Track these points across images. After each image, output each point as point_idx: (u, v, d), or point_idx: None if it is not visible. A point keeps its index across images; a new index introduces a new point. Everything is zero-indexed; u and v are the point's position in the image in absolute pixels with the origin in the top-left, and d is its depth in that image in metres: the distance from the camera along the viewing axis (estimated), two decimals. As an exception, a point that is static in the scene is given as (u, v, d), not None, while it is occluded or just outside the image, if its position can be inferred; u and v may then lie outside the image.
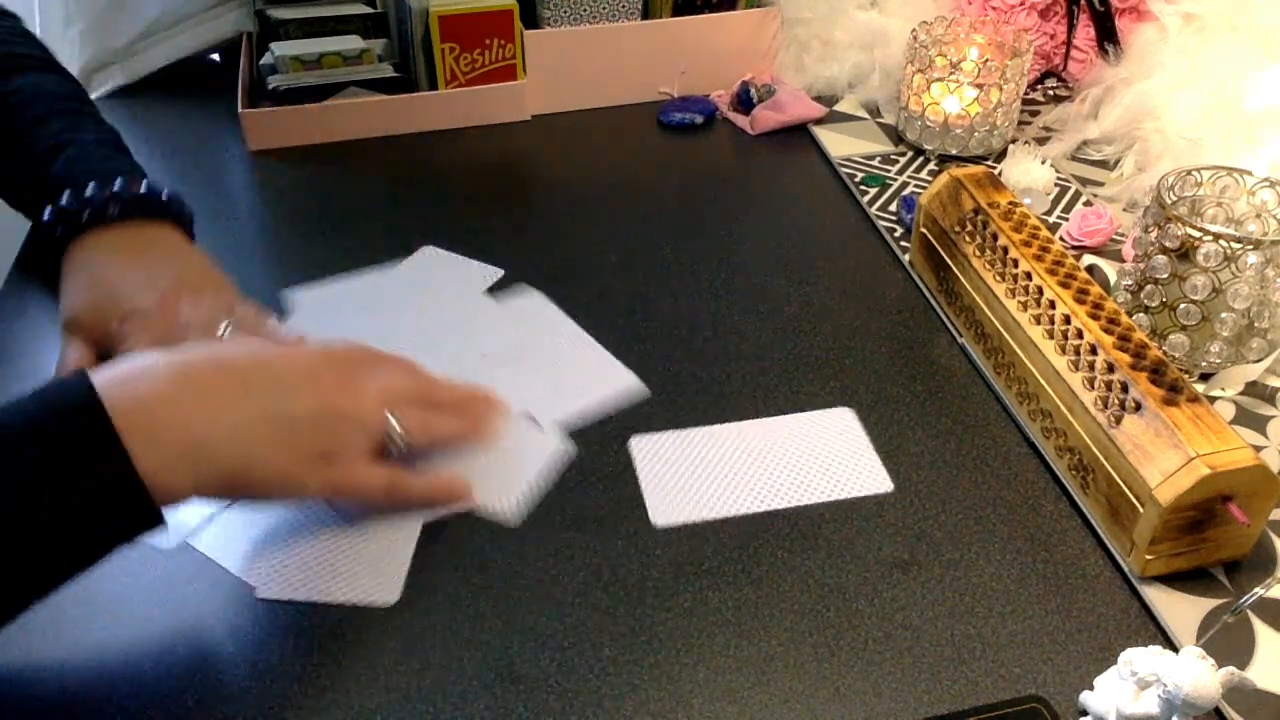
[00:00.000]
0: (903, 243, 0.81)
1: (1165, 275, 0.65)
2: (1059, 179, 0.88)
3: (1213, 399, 0.66)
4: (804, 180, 0.90)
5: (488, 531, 0.57)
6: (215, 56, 1.08)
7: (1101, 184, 0.88)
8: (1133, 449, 0.53)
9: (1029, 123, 0.96)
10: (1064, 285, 0.62)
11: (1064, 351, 0.60)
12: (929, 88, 0.89)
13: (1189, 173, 0.68)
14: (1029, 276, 0.64)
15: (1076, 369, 0.59)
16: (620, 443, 0.62)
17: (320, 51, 0.94)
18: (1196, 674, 0.43)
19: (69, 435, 0.44)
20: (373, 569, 0.54)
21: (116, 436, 0.44)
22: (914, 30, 0.90)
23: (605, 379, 0.67)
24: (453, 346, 0.69)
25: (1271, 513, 0.54)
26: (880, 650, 0.51)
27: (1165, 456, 0.52)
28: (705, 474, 0.60)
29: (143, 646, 0.50)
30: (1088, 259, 0.76)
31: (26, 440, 0.44)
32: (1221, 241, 0.62)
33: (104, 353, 0.60)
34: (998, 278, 0.66)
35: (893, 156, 0.93)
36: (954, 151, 0.91)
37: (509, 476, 0.60)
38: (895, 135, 0.95)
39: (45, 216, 0.60)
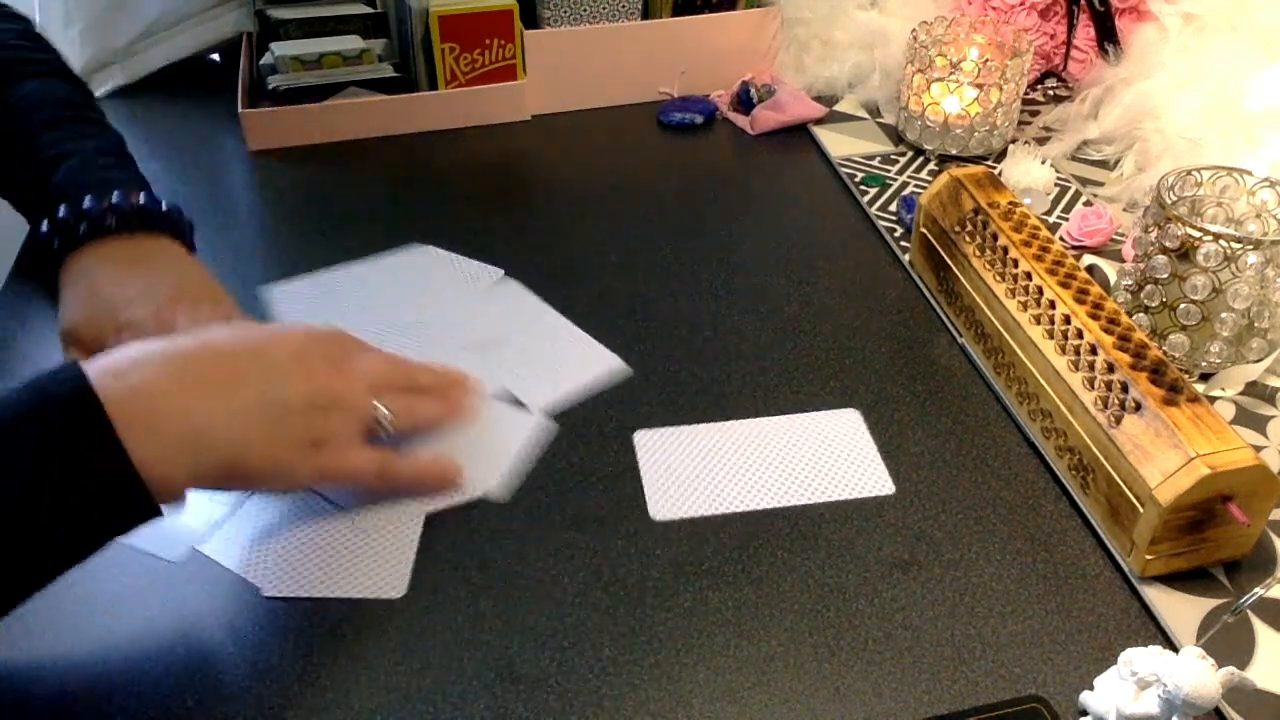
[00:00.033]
0: (903, 243, 0.81)
1: (1165, 275, 0.65)
2: (1059, 179, 0.88)
3: (1213, 399, 0.66)
4: (804, 180, 0.90)
5: (488, 531, 0.57)
6: (215, 56, 1.08)
7: (1101, 184, 0.88)
8: (1133, 449, 0.53)
9: (1029, 123, 0.96)
10: (1064, 285, 0.62)
11: (1064, 351, 0.60)
12: (929, 88, 0.89)
13: (1189, 173, 0.68)
14: (1029, 276, 0.64)
15: (1076, 369, 0.59)
16: (620, 443, 0.62)
17: (320, 51, 0.94)
18: (1196, 674, 0.43)
19: (64, 426, 0.44)
20: (378, 563, 0.54)
21: (110, 427, 0.44)
22: (914, 30, 0.90)
23: (587, 360, 0.68)
24: (433, 335, 0.70)
25: (1271, 513, 0.54)
26: (880, 650, 0.51)
27: (1165, 456, 0.52)
28: (707, 470, 0.60)
29: (143, 646, 0.50)
30: (1088, 259, 0.76)
31: (19, 432, 0.43)
32: (1221, 241, 0.62)
33: None
34: (998, 278, 0.66)
35: (893, 156, 0.93)
36: (954, 151, 0.91)
37: (494, 456, 0.61)
38: (895, 135, 0.95)
39: (43, 229, 0.60)
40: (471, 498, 0.58)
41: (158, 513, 0.47)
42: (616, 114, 1.00)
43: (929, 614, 0.53)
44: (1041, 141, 0.93)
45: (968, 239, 0.69)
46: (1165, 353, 0.63)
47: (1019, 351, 0.63)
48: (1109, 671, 0.47)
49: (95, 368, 0.46)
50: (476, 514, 0.58)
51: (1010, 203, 0.69)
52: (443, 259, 0.78)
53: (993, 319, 0.66)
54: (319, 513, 0.57)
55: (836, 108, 1.00)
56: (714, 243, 0.81)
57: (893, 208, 0.85)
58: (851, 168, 0.91)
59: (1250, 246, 0.61)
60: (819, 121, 0.97)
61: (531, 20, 0.97)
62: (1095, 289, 0.61)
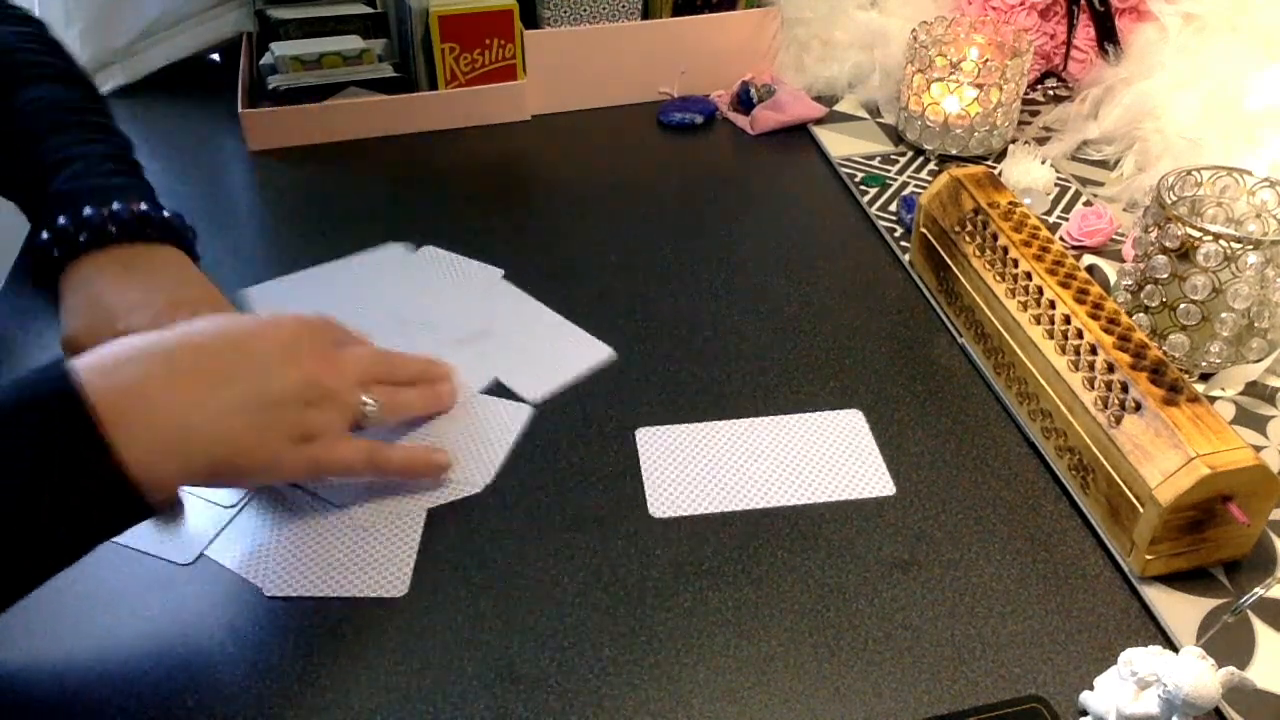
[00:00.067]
0: (903, 243, 0.81)
1: (1165, 275, 0.65)
2: (1059, 179, 0.88)
3: (1213, 399, 0.66)
4: (804, 180, 0.90)
5: (488, 531, 0.57)
6: (215, 56, 1.08)
7: (1101, 184, 0.88)
8: (1133, 449, 0.53)
9: (1029, 123, 0.96)
10: (1064, 285, 0.62)
11: (1064, 351, 0.60)
12: (929, 88, 0.89)
13: (1189, 173, 0.68)
14: (1029, 276, 0.64)
15: (1076, 369, 0.59)
16: (620, 443, 0.62)
17: (320, 51, 0.94)
18: (1196, 674, 0.43)
19: (49, 426, 0.44)
20: (378, 563, 0.54)
21: (97, 426, 0.44)
22: (914, 30, 0.90)
23: (572, 347, 0.69)
24: (414, 330, 0.71)
25: (1271, 513, 0.54)
26: (880, 650, 0.51)
27: (1165, 456, 0.52)
28: (708, 469, 0.60)
29: (143, 646, 0.50)
30: (1088, 259, 0.76)
31: (4, 432, 0.43)
32: (1221, 241, 0.62)
33: None
34: (998, 278, 0.66)
35: (893, 156, 0.93)
36: (954, 151, 0.91)
37: (487, 449, 0.61)
38: (895, 135, 0.95)
39: (43, 236, 0.60)
40: (471, 492, 0.58)
41: (149, 512, 0.47)
42: (616, 114, 1.00)
43: (929, 614, 0.53)
44: (1041, 141, 0.93)
45: (968, 239, 0.69)
46: (1165, 353, 0.63)
47: (1019, 351, 0.63)
48: (1109, 671, 0.47)
49: (82, 365, 0.46)
50: (476, 514, 0.58)
51: (1010, 203, 0.69)
52: (431, 257, 0.78)
53: (993, 319, 0.66)
54: (319, 513, 0.57)
55: (836, 108, 1.00)
56: (714, 243, 0.81)
57: (893, 208, 0.85)
58: (851, 168, 0.91)
59: (1250, 246, 0.61)
60: (819, 121, 0.98)
61: (531, 20, 0.97)
62: (1095, 289, 0.61)
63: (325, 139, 0.93)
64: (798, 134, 0.96)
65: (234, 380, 0.50)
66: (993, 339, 0.66)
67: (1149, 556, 0.53)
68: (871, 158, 0.92)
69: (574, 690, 0.49)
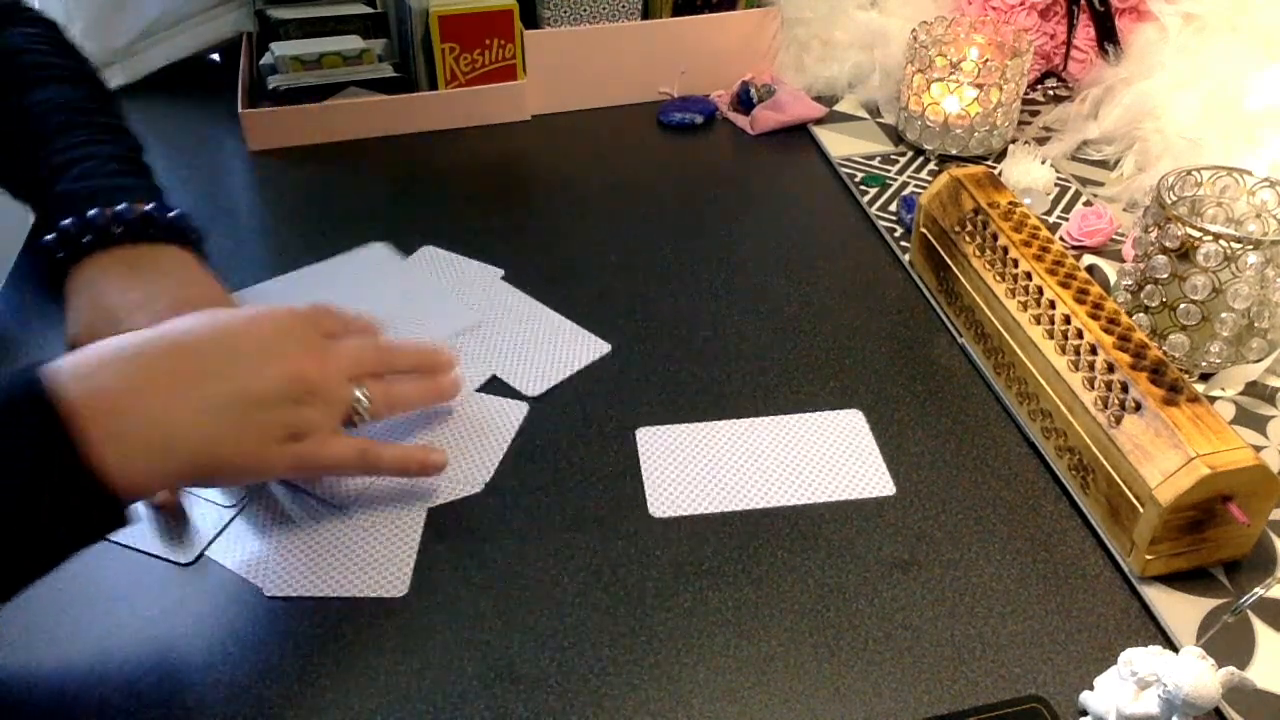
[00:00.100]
0: (903, 243, 0.81)
1: (1165, 275, 0.65)
2: (1059, 179, 0.88)
3: (1213, 399, 0.66)
4: (804, 180, 0.90)
5: (488, 531, 0.57)
6: (215, 56, 1.08)
7: (1101, 184, 0.88)
8: (1133, 449, 0.53)
9: (1029, 123, 0.96)
10: (1064, 285, 0.62)
11: (1064, 351, 0.60)
12: (929, 88, 0.89)
13: (1189, 173, 0.68)
14: (1029, 276, 0.64)
15: (1076, 369, 0.59)
16: (620, 443, 0.62)
17: (320, 51, 0.94)
18: (1196, 674, 0.43)
19: (18, 432, 0.42)
20: (378, 563, 0.54)
21: (66, 432, 0.43)
22: (914, 30, 0.90)
23: (570, 342, 0.70)
24: (408, 329, 0.71)
25: (1271, 513, 0.54)
26: (880, 650, 0.51)
27: (1165, 456, 0.52)
28: (708, 469, 0.60)
29: (143, 647, 0.50)
30: (1088, 259, 0.76)
31: None
32: (1221, 241, 0.62)
33: None
34: (998, 278, 0.66)
35: (893, 156, 0.93)
36: (954, 151, 0.91)
37: (479, 445, 0.62)
38: (895, 135, 0.95)
39: (48, 238, 0.60)
40: (471, 492, 0.58)
41: (122, 519, 0.46)
42: (616, 114, 1.00)
43: (929, 614, 0.53)
44: (1041, 141, 0.93)
45: (968, 239, 0.69)
46: (1165, 353, 0.63)
47: (1019, 351, 0.63)
48: (1109, 671, 0.47)
49: (58, 369, 0.45)
50: (476, 514, 0.58)
51: (1010, 203, 0.69)
52: (431, 257, 0.78)
53: (993, 319, 0.66)
54: (319, 513, 0.57)
55: (836, 108, 1.00)
56: (714, 243, 0.81)
57: (893, 208, 0.85)
58: (851, 168, 0.91)
59: (1250, 246, 0.61)
60: (819, 121, 0.97)
61: (531, 20, 0.97)
62: (1095, 289, 0.61)
63: (325, 139, 0.93)
64: (798, 134, 0.96)
65: (214, 379, 0.49)
66: (993, 339, 0.66)
67: (1149, 556, 0.53)
68: (871, 158, 0.92)
69: (574, 690, 0.49)
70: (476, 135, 0.96)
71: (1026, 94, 0.97)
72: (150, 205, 0.62)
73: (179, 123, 0.97)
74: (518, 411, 0.64)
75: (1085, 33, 0.98)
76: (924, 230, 0.75)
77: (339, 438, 0.54)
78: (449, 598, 0.53)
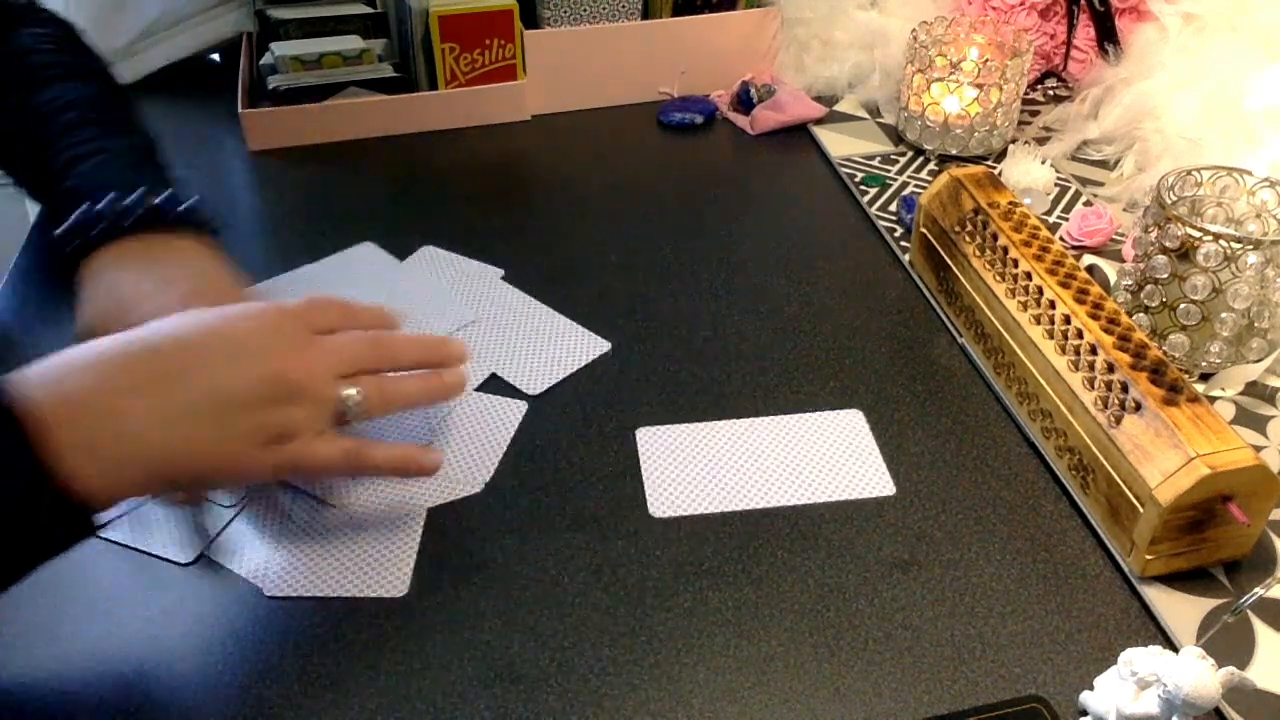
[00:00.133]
0: (903, 243, 0.81)
1: (1165, 275, 0.65)
2: (1059, 179, 0.88)
3: (1213, 399, 0.66)
4: (804, 180, 0.90)
5: (488, 531, 0.57)
6: (215, 56, 1.08)
7: (1101, 184, 0.88)
8: (1133, 449, 0.53)
9: (1029, 123, 0.96)
10: (1064, 285, 0.62)
11: (1064, 351, 0.60)
12: (929, 88, 0.89)
13: (1189, 173, 0.68)
14: (1029, 276, 0.64)
15: (1076, 369, 0.59)
16: (620, 443, 0.62)
17: (320, 51, 0.94)
18: (1196, 674, 0.43)
19: None
20: (378, 563, 0.54)
21: (28, 442, 0.42)
22: (914, 30, 0.90)
23: (569, 341, 0.70)
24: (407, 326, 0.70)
25: (1271, 513, 0.54)
26: (880, 650, 0.51)
27: (1165, 456, 0.52)
28: (708, 469, 0.60)
29: (143, 647, 0.50)
30: (1088, 259, 0.76)
31: None
32: (1221, 241, 0.62)
33: None
34: (998, 278, 0.66)
35: (893, 156, 0.93)
36: (954, 151, 0.91)
37: (478, 445, 0.62)
38: (895, 135, 0.95)
39: (61, 230, 0.59)
40: (471, 492, 0.58)
41: (91, 528, 0.45)
42: (616, 114, 1.00)
43: (929, 614, 0.53)
44: (1041, 141, 0.93)
45: (968, 239, 0.69)
46: (1165, 353, 0.63)
47: (1019, 351, 0.63)
48: (1109, 671, 0.47)
49: (24, 376, 0.44)
50: (476, 514, 0.58)
51: (1010, 203, 0.69)
52: (431, 257, 0.78)
53: (993, 319, 0.66)
54: (319, 513, 0.57)
55: (836, 108, 1.00)
56: (714, 243, 0.81)
57: (893, 208, 0.85)
58: (851, 168, 0.91)
59: (1250, 246, 0.61)
60: (819, 121, 0.97)
61: (531, 20, 0.97)
62: (1095, 289, 0.61)
63: (325, 139, 0.93)
64: (798, 134, 0.96)
65: (186, 382, 0.47)
66: (993, 339, 0.66)
67: (1149, 556, 0.53)
68: (871, 158, 0.92)
69: (574, 690, 0.49)
70: (476, 135, 0.96)
71: (1026, 94, 0.97)
72: (164, 195, 0.61)
73: (179, 123, 0.97)
74: (517, 411, 0.64)
75: (1085, 33, 0.98)
76: (924, 230, 0.75)
77: (326, 439, 0.51)
78: (449, 598, 0.53)
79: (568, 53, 0.97)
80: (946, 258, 0.72)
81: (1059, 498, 0.59)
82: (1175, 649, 0.49)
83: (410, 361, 0.57)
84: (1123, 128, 0.89)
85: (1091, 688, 0.48)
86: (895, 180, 0.89)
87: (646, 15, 1.00)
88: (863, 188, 0.88)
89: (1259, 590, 0.52)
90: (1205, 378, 0.67)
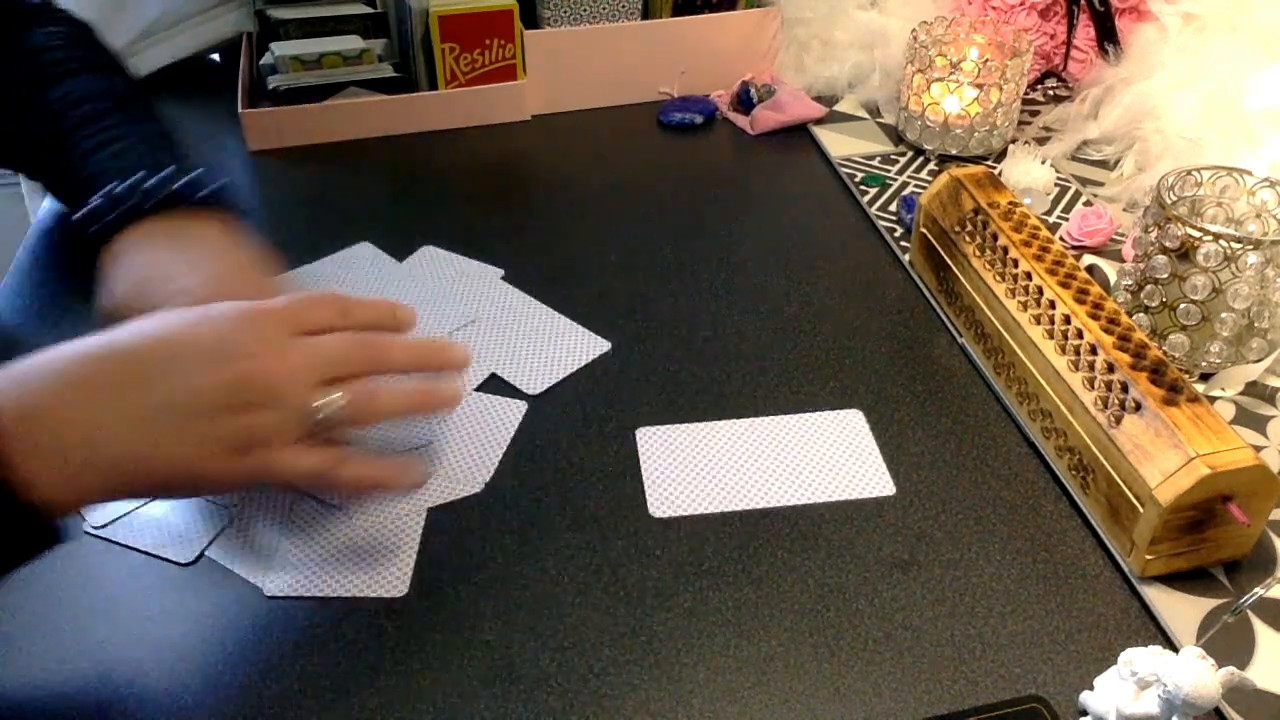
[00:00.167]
0: (903, 243, 0.81)
1: (1165, 275, 0.65)
2: (1059, 179, 0.88)
3: (1213, 399, 0.66)
4: (804, 180, 0.90)
5: (488, 531, 0.57)
6: (215, 56, 1.08)
7: (1101, 184, 0.88)
8: (1133, 449, 0.53)
9: (1029, 123, 0.96)
10: (1064, 285, 0.62)
11: (1064, 351, 0.60)
12: (929, 88, 0.89)
13: (1189, 173, 0.68)
14: (1029, 276, 0.64)
15: (1076, 369, 0.59)
16: (620, 443, 0.62)
17: (320, 51, 0.94)
18: (1196, 674, 0.43)
19: None
20: (378, 563, 0.54)
21: None
22: (914, 30, 0.90)
23: (569, 340, 0.70)
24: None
25: (1271, 513, 0.54)
26: (880, 650, 0.51)
27: (1165, 456, 0.52)
28: (708, 469, 0.60)
29: (143, 647, 0.50)
30: (1088, 259, 0.76)
31: None
32: (1221, 241, 0.62)
33: None
34: (998, 278, 0.66)
35: (893, 156, 0.93)
36: (954, 151, 0.91)
37: (478, 445, 0.61)
38: (895, 135, 0.95)
39: (82, 212, 0.58)
40: (471, 492, 0.58)
41: (54, 536, 0.44)
42: (616, 114, 1.00)
43: (929, 614, 0.53)
44: (1041, 141, 0.93)
45: (968, 239, 0.69)
46: (1165, 353, 0.63)
47: (1019, 351, 0.63)
48: (1109, 671, 0.47)
49: None
50: (477, 514, 0.58)
51: (1010, 203, 0.69)
52: (431, 257, 0.78)
53: (993, 319, 0.66)
54: (319, 513, 0.57)
55: (836, 108, 1.00)
56: (714, 243, 0.81)
57: (893, 208, 0.85)
58: (851, 168, 0.91)
59: (1250, 246, 0.61)
60: (819, 121, 0.97)
61: (531, 20, 0.97)
62: (1095, 289, 0.61)
63: (325, 139, 0.93)
64: (798, 134, 0.96)
65: (147, 386, 0.45)
66: (993, 339, 0.66)
67: (1149, 556, 0.53)
68: (871, 158, 0.92)
69: (574, 690, 0.49)
70: (476, 135, 0.96)
71: (1026, 94, 0.97)
72: (189, 176, 0.60)
73: (179, 123, 0.97)
74: (517, 411, 0.64)
75: (1085, 33, 0.98)
76: (924, 230, 0.75)
77: (299, 449, 0.48)
78: (449, 598, 0.53)
79: (568, 53, 0.97)
80: (946, 258, 0.72)
81: (1059, 498, 0.59)
82: (1175, 649, 0.49)
83: (404, 365, 0.53)
84: (1123, 128, 0.89)
85: (1091, 688, 0.48)
86: (895, 180, 0.89)
87: (646, 15, 1.00)
88: (863, 188, 0.88)
89: (1259, 590, 0.52)
90: (1205, 378, 0.67)
